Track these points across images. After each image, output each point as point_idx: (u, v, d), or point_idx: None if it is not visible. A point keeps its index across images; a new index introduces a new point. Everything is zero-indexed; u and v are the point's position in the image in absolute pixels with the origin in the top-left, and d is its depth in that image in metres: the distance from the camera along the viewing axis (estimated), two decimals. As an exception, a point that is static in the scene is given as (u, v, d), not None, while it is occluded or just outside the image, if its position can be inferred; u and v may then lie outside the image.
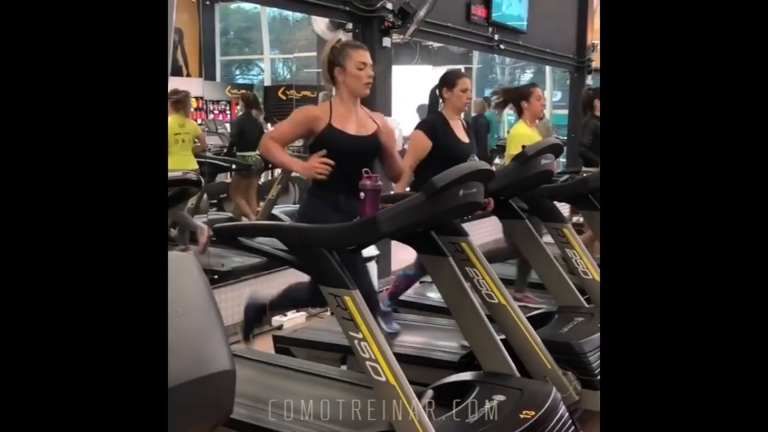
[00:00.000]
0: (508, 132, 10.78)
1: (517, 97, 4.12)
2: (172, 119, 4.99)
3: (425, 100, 3.60)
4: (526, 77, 13.44)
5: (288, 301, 3.05)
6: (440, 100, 3.44)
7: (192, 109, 6.95)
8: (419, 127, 3.39)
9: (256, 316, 3.06)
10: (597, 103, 5.17)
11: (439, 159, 3.19)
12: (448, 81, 3.41)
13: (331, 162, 2.52)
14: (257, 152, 6.03)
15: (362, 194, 2.25)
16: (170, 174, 1.61)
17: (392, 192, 3.18)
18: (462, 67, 10.21)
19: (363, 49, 2.64)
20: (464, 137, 3.43)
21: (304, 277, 2.58)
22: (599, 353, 2.73)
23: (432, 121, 3.38)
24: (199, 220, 5.36)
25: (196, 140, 5.30)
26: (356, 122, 2.63)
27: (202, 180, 1.70)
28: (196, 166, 5.25)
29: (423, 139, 3.30)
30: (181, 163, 4.99)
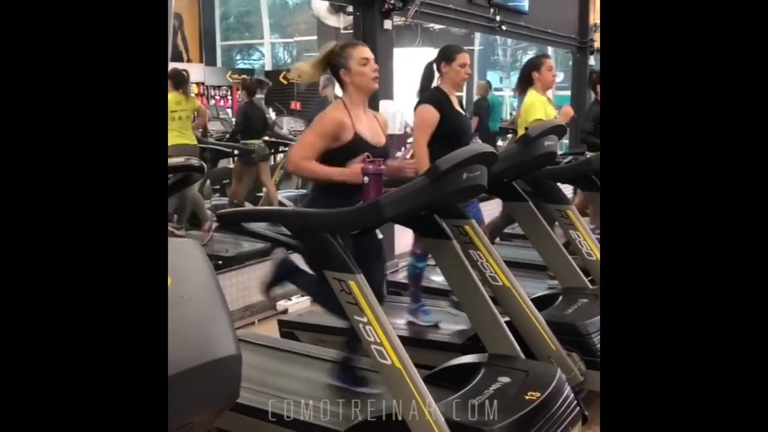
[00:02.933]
0: (511, 114, 10.77)
1: (527, 70, 4.08)
2: (171, 96, 4.99)
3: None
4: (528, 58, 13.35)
5: (304, 283, 2.85)
6: (437, 75, 3.39)
7: (193, 95, 6.94)
8: (424, 101, 3.29)
9: (286, 274, 2.84)
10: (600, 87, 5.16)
11: (444, 133, 3.19)
12: (446, 55, 3.34)
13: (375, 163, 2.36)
14: (261, 140, 6.03)
15: (365, 179, 2.24)
16: (173, 160, 1.60)
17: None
18: (464, 48, 10.15)
19: (362, 45, 2.60)
20: (461, 111, 3.42)
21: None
22: (603, 334, 2.74)
23: (435, 94, 3.32)
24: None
25: (196, 114, 5.31)
26: (369, 127, 2.56)
27: (205, 166, 1.69)
28: (194, 141, 5.25)
29: (432, 112, 3.22)
30: (177, 138, 4.98)
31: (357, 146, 2.47)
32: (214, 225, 5.08)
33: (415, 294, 3.44)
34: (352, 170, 2.39)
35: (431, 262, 3.58)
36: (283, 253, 2.88)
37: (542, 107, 3.90)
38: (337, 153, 2.47)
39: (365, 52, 2.55)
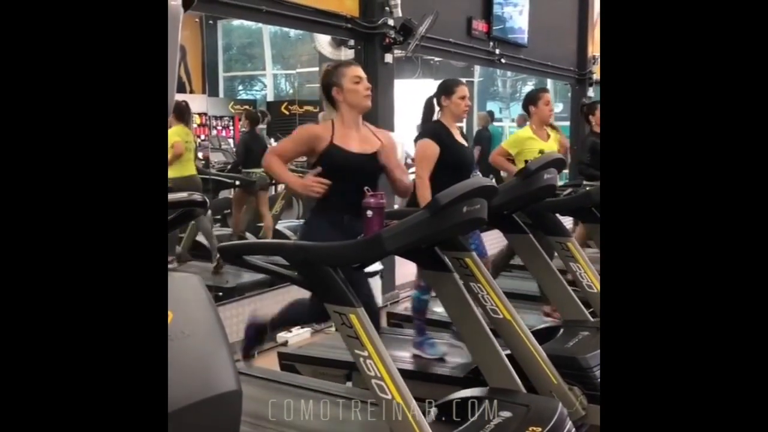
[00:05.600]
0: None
1: (525, 104, 4.15)
2: (179, 128, 5.08)
3: (426, 114, 3.62)
4: (528, 90, 13.49)
5: (289, 318, 2.99)
6: (437, 109, 3.45)
7: (195, 125, 7.02)
8: (424, 135, 3.38)
9: (257, 335, 3.00)
10: (593, 118, 5.20)
11: (446, 165, 3.24)
12: (446, 89, 3.42)
13: (326, 181, 2.52)
14: (262, 169, 6.09)
15: (368, 212, 2.26)
16: (176, 195, 1.61)
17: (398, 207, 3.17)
18: (463, 81, 10.26)
19: (355, 65, 2.68)
20: (464, 142, 3.48)
21: (303, 293, 2.57)
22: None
23: (434, 128, 3.39)
24: (202, 237, 5.42)
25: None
26: (358, 140, 2.63)
27: (208, 201, 1.71)
28: (195, 171, 5.36)
29: (431, 145, 3.29)
30: (189, 169, 5.19)
31: (331, 153, 2.58)
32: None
33: (419, 327, 3.43)
34: (303, 181, 2.58)
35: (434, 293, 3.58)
36: (252, 316, 3.05)
37: (516, 143, 4.02)
38: (315, 163, 2.62)
39: (358, 71, 2.62)
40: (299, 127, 2.80)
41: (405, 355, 3.34)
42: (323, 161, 2.59)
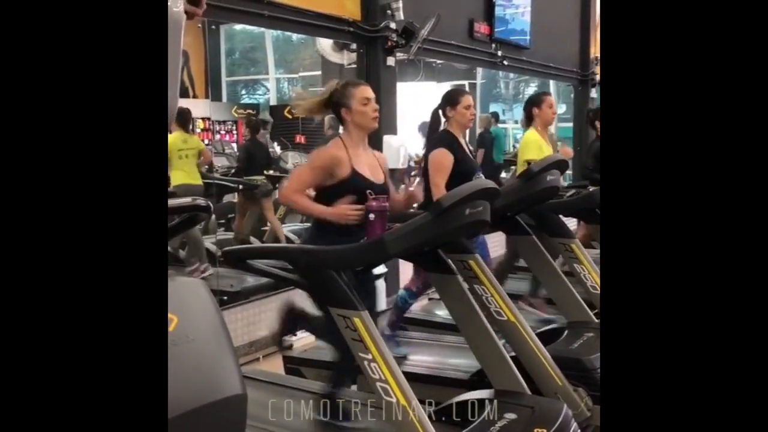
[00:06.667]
0: (514, 147, 10.84)
1: (528, 105, 4.16)
2: (175, 135, 5.07)
3: (428, 117, 3.62)
4: (530, 91, 13.51)
5: (329, 339, 2.73)
6: (443, 120, 3.46)
7: (198, 130, 7.03)
8: (439, 145, 3.38)
9: (294, 323, 2.97)
10: (599, 123, 5.22)
11: (455, 174, 3.25)
12: (451, 99, 3.44)
13: (359, 207, 2.42)
14: (263, 176, 6.10)
15: (371, 216, 2.27)
16: (179, 200, 1.62)
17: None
18: (466, 83, 10.27)
19: (364, 85, 2.67)
20: (469, 152, 3.51)
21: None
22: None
23: (446, 138, 3.41)
24: (207, 241, 5.41)
25: (200, 155, 5.40)
26: (368, 164, 2.60)
27: (212, 206, 1.71)
28: (200, 181, 5.32)
29: (447, 155, 3.31)
30: (184, 177, 5.09)
31: (354, 182, 2.50)
32: (210, 271, 5.08)
33: (394, 323, 3.51)
34: (338, 210, 2.43)
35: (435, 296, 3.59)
36: (290, 302, 2.95)
37: (536, 147, 3.98)
38: (335, 189, 2.51)
39: (367, 92, 2.61)
40: (315, 151, 2.64)
41: (411, 358, 3.34)
42: (344, 187, 2.51)
